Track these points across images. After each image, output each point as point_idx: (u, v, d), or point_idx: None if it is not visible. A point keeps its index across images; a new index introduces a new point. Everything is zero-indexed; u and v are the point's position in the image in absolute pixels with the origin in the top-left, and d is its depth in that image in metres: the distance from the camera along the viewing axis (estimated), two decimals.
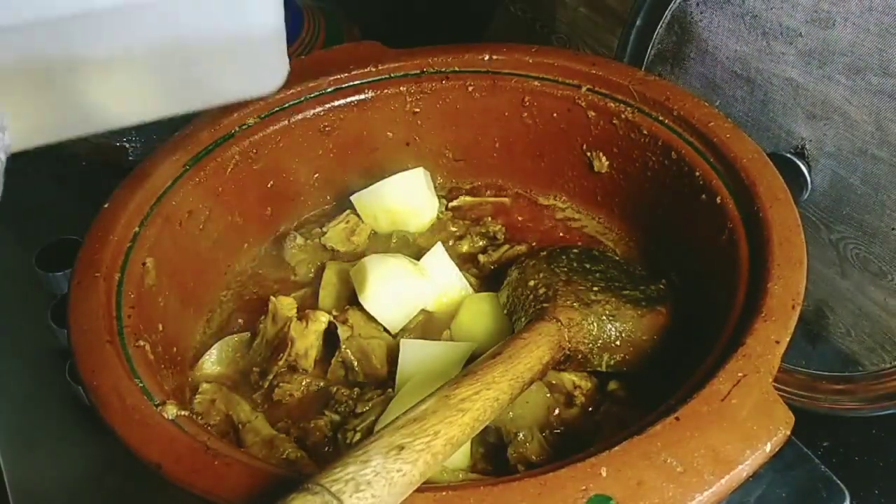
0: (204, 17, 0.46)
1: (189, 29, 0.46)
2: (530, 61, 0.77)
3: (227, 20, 0.47)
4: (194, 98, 0.51)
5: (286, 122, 0.76)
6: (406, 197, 0.77)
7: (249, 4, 0.47)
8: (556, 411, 0.61)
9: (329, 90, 0.78)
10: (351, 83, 0.78)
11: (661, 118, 0.71)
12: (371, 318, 0.68)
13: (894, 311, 0.71)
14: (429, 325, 0.70)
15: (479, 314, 0.69)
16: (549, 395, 0.62)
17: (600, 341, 0.62)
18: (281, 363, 0.65)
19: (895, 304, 0.70)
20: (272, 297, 0.70)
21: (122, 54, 0.46)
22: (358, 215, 0.78)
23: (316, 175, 0.80)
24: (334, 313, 0.68)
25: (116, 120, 0.50)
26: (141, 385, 0.54)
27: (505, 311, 0.67)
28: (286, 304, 0.69)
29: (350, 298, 0.71)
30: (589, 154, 0.77)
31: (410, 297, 0.69)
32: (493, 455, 0.59)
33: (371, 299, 0.67)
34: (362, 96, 0.78)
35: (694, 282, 0.67)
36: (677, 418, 0.48)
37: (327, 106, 0.77)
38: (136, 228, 0.64)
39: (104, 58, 0.46)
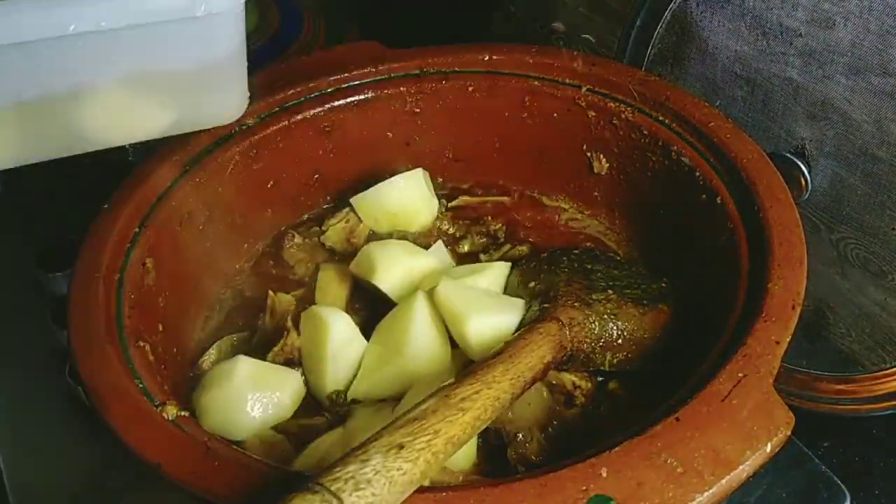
0: (169, 46, 0.47)
1: (154, 56, 0.47)
2: (530, 61, 0.77)
3: (191, 49, 0.48)
4: (158, 125, 0.53)
5: (286, 122, 0.76)
6: (406, 198, 0.77)
7: (212, 35, 0.48)
8: (556, 411, 0.61)
9: (329, 90, 0.78)
10: (351, 83, 0.78)
11: (661, 118, 0.71)
12: None
13: (894, 311, 0.71)
14: None
15: None
16: (548, 395, 0.62)
17: (602, 340, 0.62)
18: (276, 349, 0.65)
19: (895, 304, 0.70)
20: (270, 293, 0.70)
21: (92, 81, 0.47)
22: (357, 215, 0.78)
23: (316, 175, 0.80)
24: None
25: (83, 145, 0.52)
26: (141, 385, 0.54)
27: None
28: (284, 300, 0.69)
29: (347, 299, 0.71)
30: (589, 155, 0.77)
31: (420, 273, 0.69)
32: (493, 456, 0.59)
33: (384, 279, 0.67)
34: (362, 96, 0.78)
35: (694, 282, 0.67)
36: (677, 418, 0.48)
37: (327, 106, 0.77)
38: (136, 228, 0.64)
39: (72, 84, 0.47)
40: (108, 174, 0.69)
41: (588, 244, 0.77)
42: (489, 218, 0.80)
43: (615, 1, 0.97)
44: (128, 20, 0.45)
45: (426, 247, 0.73)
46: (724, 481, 0.45)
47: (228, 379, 0.61)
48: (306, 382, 0.64)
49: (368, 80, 0.78)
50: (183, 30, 0.47)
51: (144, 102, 0.51)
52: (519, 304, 0.64)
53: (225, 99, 0.53)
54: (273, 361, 0.65)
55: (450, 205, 0.81)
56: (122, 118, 0.51)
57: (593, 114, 0.75)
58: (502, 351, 0.55)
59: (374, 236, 0.78)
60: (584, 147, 0.77)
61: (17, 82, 0.46)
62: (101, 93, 0.48)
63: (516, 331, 0.61)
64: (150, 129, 0.53)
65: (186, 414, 0.52)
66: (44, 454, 0.78)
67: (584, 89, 0.75)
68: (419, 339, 0.62)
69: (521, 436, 0.58)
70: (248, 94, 0.54)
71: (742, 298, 0.57)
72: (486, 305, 0.63)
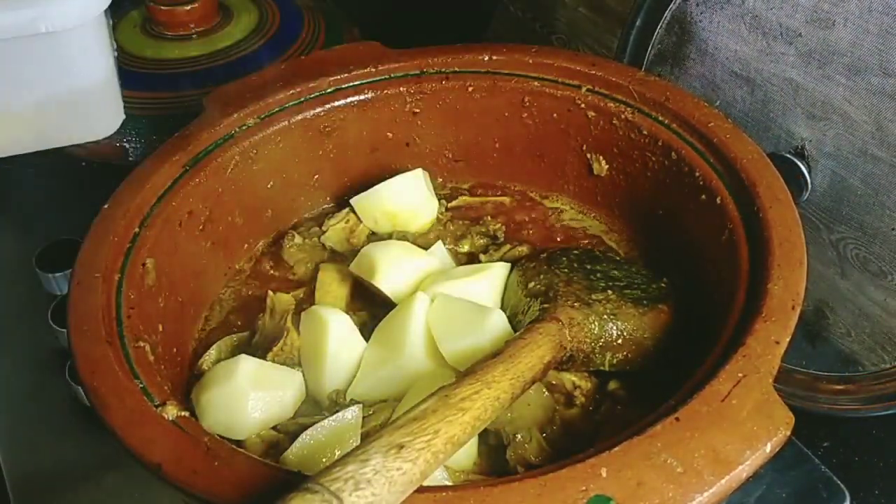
0: (22, 62, 0.46)
1: (20, 78, 0.46)
2: (530, 61, 0.77)
3: (46, 65, 0.46)
4: (22, 141, 0.52)
5: (286, 122, 0.76)
6: (405, 198, 0.77)
7: (66, 51, 0.46)
8: (556, 411, 0.61)
9: (329, 90, 0.78)
10: (351, 83, 0.78)
11: (661, 118, 0.71)
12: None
13: (894, 311, 0.71)
14: None
15: None
16: (548, 395, 0.62)
17: (602, 340, 0.62)
18: (276, 349, 0.65)
19: (895, 304, 0.70)
20: (270, 293, 0.70)
21: None
22: (357, 215, 0.78)
23: (316, 175, 0.80)
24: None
25: None
26: (141, 385, 0.54)
27: (506, 313, 0.67)
28: (284, 300, 0.69)
29: (347, 299, 0.71)
30: (589, 155, 0.77)
31: (420, 273, 0.69)
32: (493, 456, 0.59)
33: (384, 279, 0.68)
34: (362, 96, 0.78)
35: (694, 282, 0.67)
36: (677, 418, 0.48)
37: (327, 106, 0.77)
38: (136, 229, 0.64)
39: None
40: (108, 174, 0.69)
41: (588, 244, 0.77)
42: (489, 218, 0.80)
43: (615, 1, 0.97)
44: None
45: (426, 247, 0.73)
46: (723, 481, 0.45)
47: (230, 378, 0.61)
48: (306, 382, 0.64)
49: (368, 80, 0.78)
50: (34, 46, 0.45)
51: (4, 119, 0.50)
52: (500, 316, 0.64)
53: (94, 114, 0.51)
54: (273, 361, 0.65)
55: (450, 205, 0.81)
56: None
57: (593, 114, 0.75)
58: (502, 351, 0.55)
59: (374, 236, 0.78)
60: (584, 147, 0.77)
61: None
62: None
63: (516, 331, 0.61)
64: (13, 146, 0.53)
65: (186, 414, 0.52)
66: (44, 454, 0.78)
67: (583, 89, 0.75)
68: (419, 340, 0.62)
69: (520, 436, 0.58)
70: (123, 111, 0.53)
71: (742, 298, 0.57)
72: (461, 328, 0.62)
